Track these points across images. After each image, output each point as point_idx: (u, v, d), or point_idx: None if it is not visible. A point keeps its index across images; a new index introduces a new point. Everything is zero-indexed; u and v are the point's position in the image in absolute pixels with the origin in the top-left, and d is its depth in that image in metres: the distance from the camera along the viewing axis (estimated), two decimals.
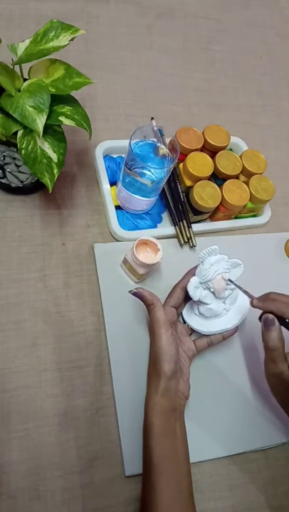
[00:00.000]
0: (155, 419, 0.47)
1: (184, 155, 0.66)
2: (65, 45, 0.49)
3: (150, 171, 0.57)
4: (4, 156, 0.54)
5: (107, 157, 0.67)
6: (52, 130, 0.51)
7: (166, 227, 0.66)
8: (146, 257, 0.56)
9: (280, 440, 0.56)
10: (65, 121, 0.50)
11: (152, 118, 0.68)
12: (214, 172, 0.66)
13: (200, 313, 0.55)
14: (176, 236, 0.65)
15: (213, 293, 0.54)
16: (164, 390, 0.48)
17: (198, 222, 0.67)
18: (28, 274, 0.57)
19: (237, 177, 0.68)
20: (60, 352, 0.54)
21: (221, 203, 0.64)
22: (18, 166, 0.56)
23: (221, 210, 0.66)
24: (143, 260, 0.54)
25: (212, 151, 0.68)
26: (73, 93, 0.50)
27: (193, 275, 0.54)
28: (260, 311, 0.54)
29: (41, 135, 0.47)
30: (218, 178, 0.67)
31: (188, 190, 0.66)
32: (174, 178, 0.66)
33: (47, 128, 0.49)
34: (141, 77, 0.78)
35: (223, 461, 0.54)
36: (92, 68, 0.75)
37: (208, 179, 0.65)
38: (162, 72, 0.80)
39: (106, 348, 0.56)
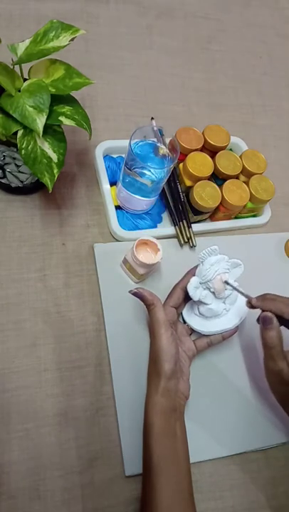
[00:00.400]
0: (155, 419, 0.47)
1: (184, 155, 0.66)
2: (65, 46, 0.49)
3: (150, 171, 0.57)
4: (4, 156, 0.54)
5: (107, 157, 0.67)
6: (52, 130, 0.51)
7: (166, 227, 0.66)
8: (146, 257, 0.56)
9: (280, 440, 0.56)
10: (65, 121, 0.50)
11: (152, 118, 0.68)
12: (214, 172, 0.66)
13: (200, 314, 0.55)
14: (176, 236, 0.65)
15: (213, 293, 0.54)
16: (164, 390, 0.48)
17: (198, 222, 0.67)
18: (28, 274, 0.57)
19: (237, 177, 0.68)
20: (60, 352, 0.54)
21: (221, 203, 0.64)
22: (18, 166, 0.56)
23: (221, 210, 0.66)
24: (143, 260, 0.54)
25: (212, 151, 0.68)
26: (73, 93, 0.50)
27: (194, 275, 0.54)
28: (260, 311, 0.55)
29: (41, 135, 0.47)
30: (218, 178, 0.67)
31: (188, 190, 0.66)
32: (174, 178, 0.66)
33: (47, 128, 0.49)
34: (141, 77, 0.78)
35: (223, 461, 0.54)
36: (92, 68, 0.75)
37: (208, 179, 0.65)
38: (162, 72, 0.80)
39: (106, 348, 0.56)
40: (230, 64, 0.87)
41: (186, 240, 0.64)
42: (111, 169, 0.65)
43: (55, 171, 0.50)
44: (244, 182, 0.67)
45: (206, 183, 0.64)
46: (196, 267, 0.55)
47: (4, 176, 0.58)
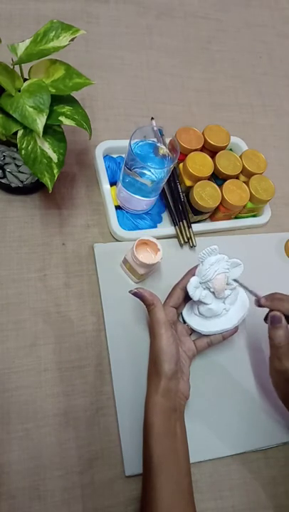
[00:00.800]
0: (155, 419, 0.47)
1: (184, 155, 0.66)
2: (65, 46, 0.49)
3: (150, 171, 0.57)
4: (4, 156, 0.54)
5: (107, 157, 0.67)
6: (52, 130, 0.51)
7: (166, 227, 0.66)
8: (146, 257, 0.56)
9: (280, 440, 0.56)
10: (65, 121, 0.50)
11: (152, 118, 0.68)
12: (214, 172, 0.66)
13: (200, 314, 0.55)
14: (176, 236, 0.65)
15: (213, 293, 0.54)
16: (164, 390, 0.48)
17: (198, 222, 0.67)
18: (28, 274, 0.57)
19: (237, 177, 0.68)
20: (60, 352, 0.54)
21: (221, 203, 0.64)
22: (18, 166, 0.56)
23: (221, 210, 0.66)
24: (143, 260, 0.54)
25: (212, 151, 0.68)
26: (73, 93, 0.50)
27: (193, 275, 0.54)
28: (262, 311, 0.54)
29: (41, 135, 0.47)
30: (218, 178, 0.67)
31: (188, 190, 0.66)
32: (174, 178, 0.66)
33: (47, 128, 0.49)
34: (141, 77, 0.78)
35: (223, 461, 0.54)
36: (92, 68, 0.75)
37: (208, 179, 0.65)
38: (162, 72, 0.80)
39: (106, 348, 0.56)
40: (230, 64, 0.87)
41: (186, 240, 0.64)
42: (111, 169, 0.65)
43: (55, 171, 0.50)
44: (244, 182, 0.67)
45: (206, 183, 0.64)
46: (196, 266, 0.55)
47: (4, 176, 0.58)
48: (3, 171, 0.57)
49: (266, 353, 0.61)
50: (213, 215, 0.68)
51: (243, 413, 0.57)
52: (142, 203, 0.62)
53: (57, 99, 0.50)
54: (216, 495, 0.52)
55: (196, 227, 0.65)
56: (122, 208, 0.64)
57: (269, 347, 0.50)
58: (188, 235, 0.64)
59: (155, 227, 0.65)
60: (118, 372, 0.54)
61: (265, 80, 0.88)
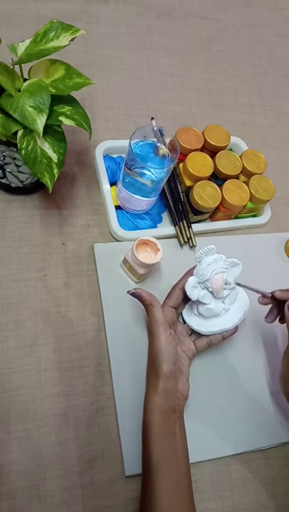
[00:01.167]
0: (154, 419, 0.47)
1: (184, 155, 0.66)
2: (65, 46, 0.49)
3: (150, 171, 0.57)
4: (4, 156, 0.54)
5: (107, 157, 0.67)
6: (52, 130, 0.51)
7: (166, 227, 0.66)
8: (146, 257, 0.56)
9: (280, 440, 0.56)
10: (65, 121, 0.50)
11: (152, 118, 0.68)
12: (214, 172, 0.66)
13: (199, 314, 0.55)
14: (176, 236, 0.65)
15: (212, 293, 0.54)
16: (162, 390, 0.48)
17: (198, 222, 0.67)
18: (28, 274, 0.57)
19: (237, 177, 0.68)
20: (60, 352, 0.54)
21: (221, 203, 0.64)
22: (18, 166, 0.56)
23: (221, 210, 0.66)
24: (143, 260, 0.54)
25: (212, 151, 0.68)
26: (73, 93, 0.50)
27: (192, 275, 0.54)
28: (262, 311, 0.55)
29: (41, 135, 0.47)
30: (218, 178, 0.67)
31: (188, 190, 0.66)
32: (174, 178, 0.66)
33: (47, 128, 0.49)
34: (141, 77, 0.78)
35: (223, 461, 0.54)
36: (92, 68, 0.75)
37: (208, 179, 0.65)
38: (162, 72, 0.80)
39: (106, 348, 0.56)
40: (230, 64, 0.87)
41: (186, 240, 0.64)
42: (111, 169, 0.65)
43: (55, 171, 0.50)
44: (244, 182, 0.67)
45: (206, 183, 0.64)
46: (194, 267, 0.55)
47: (4, 176, 0.58)
48: (3, 171, 0.57)
49: (266, 353, 0.61)
50: (213, 215, 0.68)
51: (243, 413, 0.57)
52: (142, 203, 0.62)
53: (57, 99, 0.50)
54: (216, 495, 0.52)
55: (196, 227, 0.65)
56: (122, 208, 0.64)
57: (287, 339, 0.50)
58: (188, 235, 0.64)
59: (155, 227, 0.65)
60: (118, 372, 0.54)
61: (265, 80, 0.88)
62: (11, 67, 0.49)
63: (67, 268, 0.59)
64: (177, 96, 0.79)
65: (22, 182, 0.59)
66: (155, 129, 0.60)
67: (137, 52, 0.80)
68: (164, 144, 0.60)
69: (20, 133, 0.48)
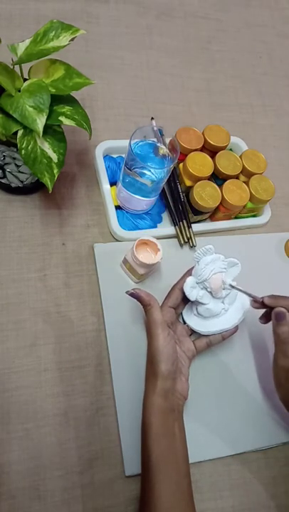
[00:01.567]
0: (153, 419, 0.47)
1: (184, 155, 0.66)
2: (65, 46, 0.49)
3: (150, 171, 0.57)
4: (4, 156, 0.54)
5: (107, 157, 0.67)
6: (52, 130, 0.51)
7: (166, 227, 0.66)
8: (146, 257, 0.56)
9: (280, 440, 0.56)
10: (65, 121, 0.50)
11: (152, 118, 0.68)
12: (214, 172, 0.66)
13: (198, 314, 0.55)
14: (176, 236, 0.65)
15: (210, 293, 0.54)
16: (161, 391, 0.48)
17: (198, 222, 0.67)
18: (28, 274, 0.57)
19: (237, 177, 0.68)
20: (60, 352, 0.54)
21: (221, 203, 0.64)
22: (18, 166, 0.56)
23: (221, 210, 0.66)
24: (143, 260, 0.54)
25: (212, 151, 0.68)
26: (73, 93, 0.50)
27: (190, 275, 0.54)
28: (261, 311, 0.54)
29: (41, 135, 0.47)
30: (218, 178, 0.67)
31: (188, 190, 0.66)
32: (174, 178, 0.66)
33: (47, 128, 0.49)
34: (141, 77, 0.78)
35: (223, 461, 0.54)
36: (92, 68, 0.75)
37: (208, 179, 0.65)
38: (162, 72, 0.80)
39: (106, 348, 0.56)
40: (230, 64, 0.87)
41: (186, 240, 0.64)
42: (111, 169, 0.65)
43: (55, 171, 0.50)
44: (244, 182, 0.67)
45: (206, 183, 0.64)
46: (193, 267, 0.55)
47: (4, 176, 0.58)
48: (3, 171, 0.57)
49: (266, 353, 0.61)
50: (213, 215, 0.68)
51: (243, 413, 0.57)
52: (142, 203, 0.62)
53: (57, 99, 0.50)
54: (216, 495, 0.52)
55: (196, 227, 0.65)
56: (122, 208, 0.64)
57: (274, 344, 0.50)
58: (188, 235, 0.64)
59: (155, 227, 0.65)
60: (118, 372, 0.54)
61: (265, 80, 0.88)
62: (11, 67, 0.49)
63: (67, 268, 0.59)
64: (177, 96, 0.79)
65: (22, 182, 0.59)
66: (155, 129, 0.60)
67: (137, 52, 0.80)
68: (164, 144, 0.60)
69: (20, 133, 0.48)
